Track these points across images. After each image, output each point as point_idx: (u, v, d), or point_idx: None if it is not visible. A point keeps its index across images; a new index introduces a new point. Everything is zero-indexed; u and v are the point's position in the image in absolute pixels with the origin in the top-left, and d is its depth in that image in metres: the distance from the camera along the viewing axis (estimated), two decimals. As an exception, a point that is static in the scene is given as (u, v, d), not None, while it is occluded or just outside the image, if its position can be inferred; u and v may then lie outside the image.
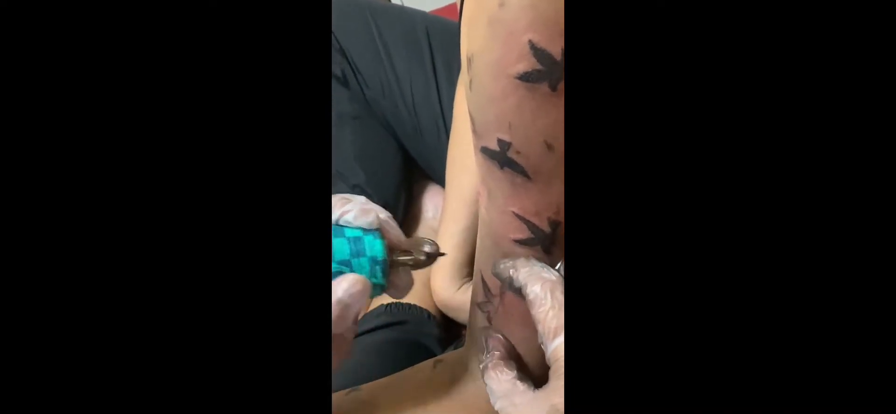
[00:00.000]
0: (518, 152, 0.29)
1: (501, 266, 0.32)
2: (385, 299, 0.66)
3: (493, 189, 0.31)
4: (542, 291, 0.30)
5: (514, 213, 0.31)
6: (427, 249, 0.36)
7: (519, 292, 0.31)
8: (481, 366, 0.34)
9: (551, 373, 0.30)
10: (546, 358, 0.30)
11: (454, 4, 1.11)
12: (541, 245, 0.32)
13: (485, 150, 0.30)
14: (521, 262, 0.31)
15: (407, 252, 0.34)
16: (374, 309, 0.65)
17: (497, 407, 0.32)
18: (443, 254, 0.35)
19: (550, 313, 0.29)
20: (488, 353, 0.34)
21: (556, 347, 0.29)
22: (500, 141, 0.29)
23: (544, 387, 0.30)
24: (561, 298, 0.30)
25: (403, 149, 0.79)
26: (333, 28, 0.76)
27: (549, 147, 0.28)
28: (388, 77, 0.75)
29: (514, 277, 0.31)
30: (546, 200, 0.30)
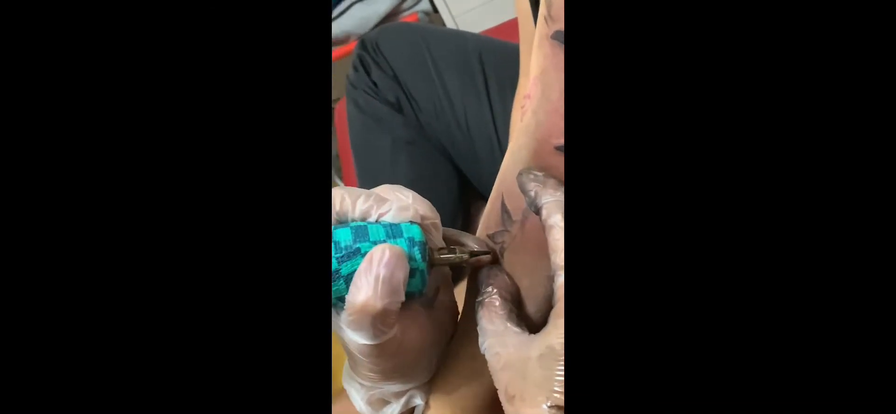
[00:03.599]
0: None
1: (531, 175, 0.30)
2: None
3: (553, 82, 0.29)
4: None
5: None
6: (473, 246, 0.34)
7: (538, 213, 0.29)
8: (477, 301, 0.32)
9: (553, 312, 0.28)
10: (553, 295, 0.28)
11: (509, 22, 1.11)
12: None
13: (559, 35, 0.28)
14: (552, 182, 0.29)
15: (450, 250, 0.33)
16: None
17: (484, 347, 0.30)
18: (487, 253, 0.33)
19: None
20: (486, 289, 0.32)
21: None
22: None
23: (544, 329, 0.28)
24: None
25: (459, 171, 0.78)
26: (387, 54, 0.77)
27: None
28: (441, 100, 0.75)
29: (540, 194, 0.29)
30: None
